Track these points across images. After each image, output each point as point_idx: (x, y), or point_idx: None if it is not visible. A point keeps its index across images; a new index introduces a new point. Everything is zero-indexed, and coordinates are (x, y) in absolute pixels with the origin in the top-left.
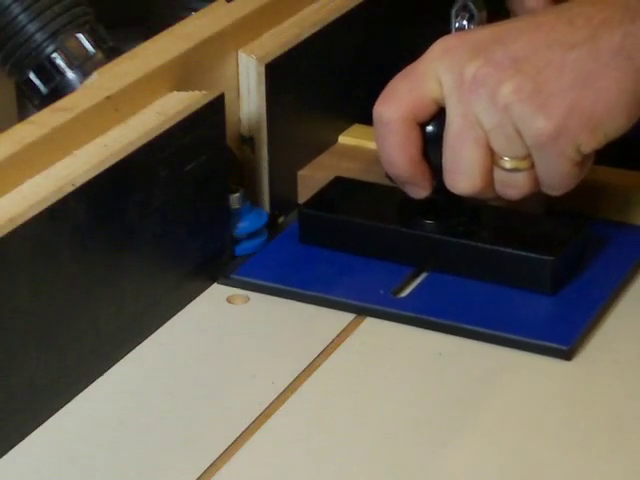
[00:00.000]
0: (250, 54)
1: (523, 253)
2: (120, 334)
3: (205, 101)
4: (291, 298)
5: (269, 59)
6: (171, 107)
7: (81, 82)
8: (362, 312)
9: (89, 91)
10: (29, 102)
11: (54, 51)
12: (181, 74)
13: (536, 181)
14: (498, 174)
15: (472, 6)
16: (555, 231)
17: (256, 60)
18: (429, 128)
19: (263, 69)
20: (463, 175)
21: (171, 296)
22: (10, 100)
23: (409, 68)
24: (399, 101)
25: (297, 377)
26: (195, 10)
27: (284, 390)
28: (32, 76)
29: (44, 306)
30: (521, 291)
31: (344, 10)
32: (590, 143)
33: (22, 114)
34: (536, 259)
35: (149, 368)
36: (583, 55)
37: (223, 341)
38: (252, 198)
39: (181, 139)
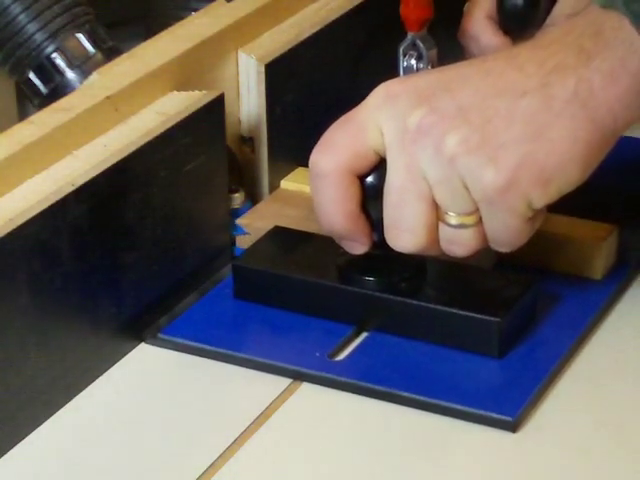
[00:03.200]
0: (250, 54)
1: (468, 313)
2: (120, 334)
3: (205, 101)
4: (223, 360)
5: (269, 59)
6: (171, 107)
7: (81, 82)
8: (298, 377)
9: (89, 91)
10: (29, 102)
11: (54, 51)
12: (181, 74)
13: (484, 237)
14: (443, 230)
15: (421, 44)
16: (503, 288)
17: (256, 60)
18: (369, 180)
19: (263, 69)
20: (405, 232)
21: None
22: (10, 100)
23: (348, 115)
24: (337, 151)
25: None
26: (195, 10)
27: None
28: (32, 76)
29: (44, 306)
30: (466, 354)
31: (344, 10)
32: (542, 198)
33: (22, 114)
34: (481, 320)
35: (146, 371)
36: (534, 104)
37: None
38: (252, 198)
39: (181, 139)
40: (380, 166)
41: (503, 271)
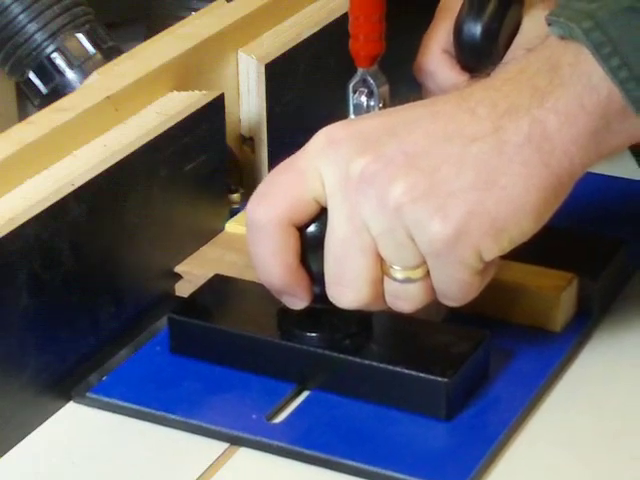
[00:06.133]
0: (250, 54)
1: (413, 372)
2: (120, 334)
3: (205, 101)
4: (155, 422)
5: (269, 59)
6: (171, 107)
7: (81, 82)
8: (235, 441)
9: (89, 91)
10: (29, 102)
11: (54, 51)
12: (181, 74)
13: (432, 291)
14: (388, 285)
15: (371, 81)
16: (453, 345)
17: (256, 60)
18: (309, 231)
19: (263, 69)
20: (348, 287)
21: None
22: (10, 100)
23: (288, 162)
24: (275, 201)
25: None
26: (195, 10)
27: None
28: (32, 76)
29: (44, 306)
30: (413, 415)
31: (344, 10)
32: (493, 249)
33: (22, 114)
34: (428, 380)
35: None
36: (486, 149)
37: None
38: None
39: (181, 139)
40: (321, 216)
41: (454, 324)
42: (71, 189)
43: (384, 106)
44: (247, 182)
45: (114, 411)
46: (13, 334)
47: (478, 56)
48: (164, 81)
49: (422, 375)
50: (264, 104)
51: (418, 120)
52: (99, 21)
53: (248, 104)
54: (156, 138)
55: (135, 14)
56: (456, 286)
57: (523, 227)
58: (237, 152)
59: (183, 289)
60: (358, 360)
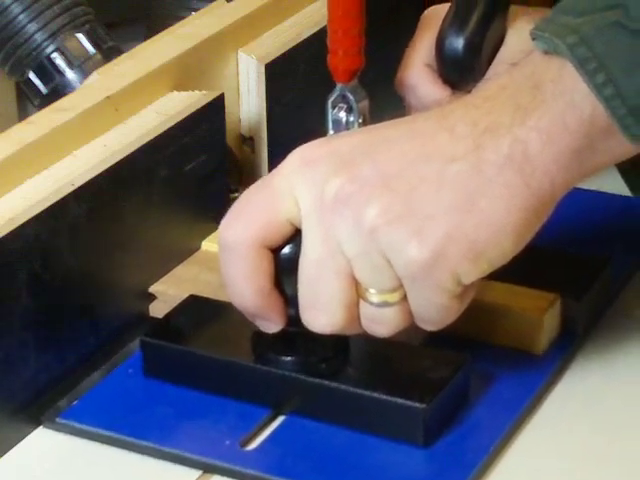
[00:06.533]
0: (250, 54)
1: (390, 398)
2: (120, 334)
3: (205, 101)
4: (126, 449)
5: (269, 59)
6: (171, 107)
7: (81, 82)
8: (207, 468)
9: (89, 91)
10: (29, 102)
11: (54, 51)
12: (181, 74)
13: (409, 315)
14: (364, 308)
15: (350, 96)
16: (432, 369)
17: (256, 60)
18: (283, 253)
19: (263, 69)
20: (322, 311)
21: None
22: (10, 100)
23: (262, 182)
24: (248, 222)
25: None
26: (195, 10)
27: None
28: (32, 76)
29: (44, 306)
30: (390, 442)
31: None
32: (471, 273)
33: (22, 114)
34: (405, 406)
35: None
36: (465, 169)
37: None
38: None
39: (181, 139)
40: (295, 238)
41: (433, 348)
42: (71, 189)
43: (364, 121)
44: (247, 182)
45: (84, 437)
46: (13, 334)
47: (460, 70)
48: (164, 81)
49: (399, 401)
50: (264, 104)
51: (396, 139)
52: (99, 21)
53: (248, 104)
54: (156, 138)
55: (135, 14)
56: (434, 310)
57: (503, 249)
58: (237, 152)
59: (157, 310)
60: (334, 385)
